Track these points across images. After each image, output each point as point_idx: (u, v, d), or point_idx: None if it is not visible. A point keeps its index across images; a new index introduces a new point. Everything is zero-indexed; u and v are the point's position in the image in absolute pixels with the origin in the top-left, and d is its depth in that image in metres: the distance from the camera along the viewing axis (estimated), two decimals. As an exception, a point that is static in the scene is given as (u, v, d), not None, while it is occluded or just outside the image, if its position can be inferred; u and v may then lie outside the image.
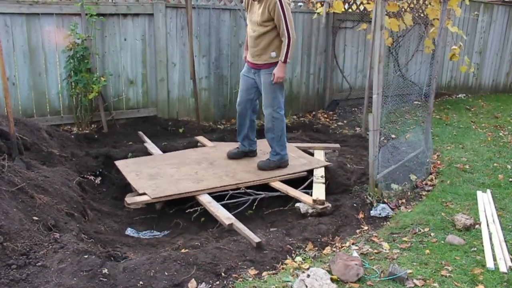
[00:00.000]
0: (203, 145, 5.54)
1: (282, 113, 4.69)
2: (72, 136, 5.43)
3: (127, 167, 4.62)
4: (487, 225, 3.70)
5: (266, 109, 4.62)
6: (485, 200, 4.20)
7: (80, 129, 5.78)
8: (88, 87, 5.58)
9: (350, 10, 7.81)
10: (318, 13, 6.96)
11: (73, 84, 5.59)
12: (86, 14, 5.52)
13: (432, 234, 3.56)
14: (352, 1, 7.65)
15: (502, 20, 9.96)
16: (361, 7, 7.92)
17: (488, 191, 4.41)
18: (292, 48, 4.37)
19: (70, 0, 5.65)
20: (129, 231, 3.83)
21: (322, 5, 6.97)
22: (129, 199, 3.96)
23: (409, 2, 7.26)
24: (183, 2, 6.17)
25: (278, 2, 4.25)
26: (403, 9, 7.02)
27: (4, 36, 5.25)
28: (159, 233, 3.88)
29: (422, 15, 7.66)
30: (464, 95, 9.82)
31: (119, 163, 4.71)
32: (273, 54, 4.47)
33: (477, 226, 3.69)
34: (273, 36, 4.43)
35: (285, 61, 4.41)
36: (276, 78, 4.44)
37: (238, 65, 6.71)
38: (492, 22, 9.83)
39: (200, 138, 5.73)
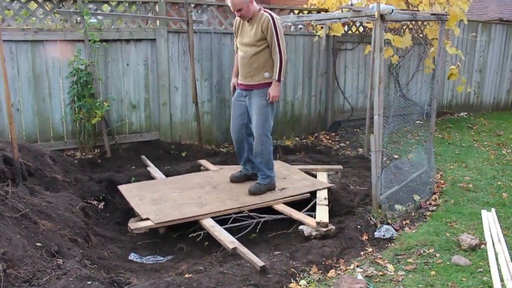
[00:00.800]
0: (206, 169, 5.55)
1: (270, 136, 4.71)
2: (76, 161, 5.45)
3: (130, 191, 4.62)
4: (493, 245, 3.66)
5: (257, 131, 4.61)
6: (490, 219, 4.17)
7: (84, 154, 5.81)
8: (91, 112, 5.63)
9: (349, 31, 7.90)
10: (319, 35, 7.04)
11: (76, 109, 5.65)
12: (90, 40, 5.61)
13: (437, 255, 3.53)
14: (351, 23, 7.74)
15: (500, 38, 10.07)
16: (361, 29, 8.02)
17: (493, 210, 4.39)
18: (284, 67, 4.45)
19: (74, 26, 5.74)
20: (133, 256, 3.81)
21: (322, 28, 7.06)
22: (133, 224, 3.95)
23: (408, 23, 7.35)
24: (184, 27, 6.26)
25: (271, 21, 4.35)
26: (402, 29, 7.11)
27: (9, 63, 5.33)
28: (162, 258, 3.85)
29: (421, 35, 7.75)
30: (466, 113, 9.85)
31: (122, 188, 4.72)
32: (266, 74, 4.52)
33: (482, 246, 3.66)
34: (266, 56, 4.49)
35: (279, 80, 4.47)
36: (272, 97, 4.49)
37: (240, 88, 6.77)
38: (490, 41, 9.93)
39: (203, 162, 5.74)
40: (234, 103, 4.85)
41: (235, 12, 4.43)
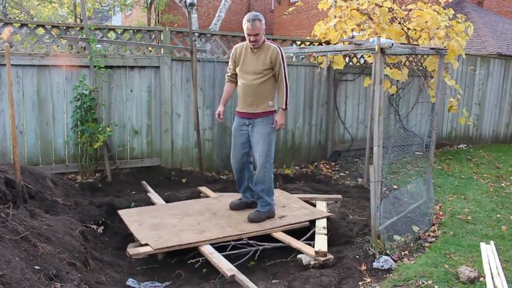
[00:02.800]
0: (206, 196, 5.57)
1: (272, 163, 4.79)
2: (76, 185, 5.48)
3: (130, 216, 4.63)
4: (492, 278, 3.65)
5: (260, 159, 4.66)
6: (489, 252, 4.16)
7: (84, 178, 5.83)
8: (93, 136, 5.69)
9: (350, 63, 8.04)
10: (321, 67, 7.15)
11: (79, 133, 5.70)
12: (95, 67, 5.71)
13: (436, 287, 3.52)
14: (352, 55, 7.88)
15: (498, 72, 10.23)
16: (362, 60, 8.16)
17: (492, 242, 4.39)
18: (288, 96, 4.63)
19: (80, 52, 5.85)
20: (130, 282, 3.80)
21: (324, 58, 7.18)
22: (132, 250, 3.95)
23: (407, 56, 7.48)
24: (188, 56, 6.38)
25: (279, 53, 4.53)
26: (401, 63, 7.23)
27: (15, 86, 5.42)
28: (160, 284, 3.84)
29: (421, 67, 7.88)
30: (465, 145, 9.91)
31: (122, 213, 4.73)
32: (270, 103, 4.66)
33: (481, 279, 3.65)
34: (271, 86, 4.64)
35: (285, 108, 4.64)
36: (280, 125, 4.64)
37: (241, 116, 6.84)
38: (489, 75, 10.08)
39: (203, 189, 5.76)
40: (235, 132, 4.89)
41: (250, 37, 4.50)
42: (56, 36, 5.74)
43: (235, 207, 4.99)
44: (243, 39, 6.94)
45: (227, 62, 6.73)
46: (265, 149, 4.64)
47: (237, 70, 4.78)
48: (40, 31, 5.71)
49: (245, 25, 4.49)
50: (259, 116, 4.66)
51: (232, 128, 4.98)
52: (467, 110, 9.84)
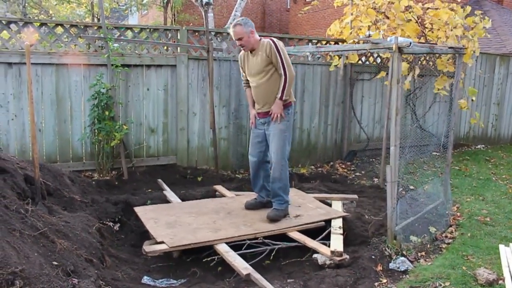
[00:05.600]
0: (222, 195, 5.58)
1: (287, 161, 4.79)
2: (93, 182, 5.54)
3: (146, 214, 4.67)
4: None
5: (276, 156, 4.66)
6: (508, 254, 4.09)
7: (101, 175, 5.89)
8: (110, 134, 5.74)
9: (367, 62, 7.98)
10: (336, 65, 7.12)
11: (96, 131, 5.76)
12: (112, 65, 5.76)
13: (453, 288, 3.48)
14: (369, 54, 7.83)
15: (519, 72, 10.04)
16: (378, 60, 8.10)
17: (511, 245, 4.32)
18: (289, 85, 4.58)
19: (97, 51, 5.91)
20: (146, 280, 3.82)
21: (340, 57, 7.15)
22: (148, 247, 3.98)
23: (425, 56, 7.40)
24: (204, 55, 6.40)
25: (272, 44, 4.50)
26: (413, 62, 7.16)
27: (34, 85, 5.50)
28: (175, 281, 3.86)
29: (433, 66, 7.78)
30: (483, 146, 9.76)
31: (138, 210, 4.77)
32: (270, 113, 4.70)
33: (500, 281, 3.60)
34: (278, 80, 4.61)
35: (281, 98, 4.57)
36: (274, 114, 4.62)
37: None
38: (509, 74, 9.92)
39: (219, 188, 5.77)
40: (253, 131, 4.96)
41: (236, 41, 4.63)
42: (74, 35, 5.81)
43: (250, 206, 4.99)
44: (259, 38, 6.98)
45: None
46: (280, 146, 4.64)
47: (246, 74, 4.89)
48: (59, 30, 5.79)
49: (230, 32, 4.67)
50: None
51: (252, 128, 5.02)
52: (485, 110, 9.72)
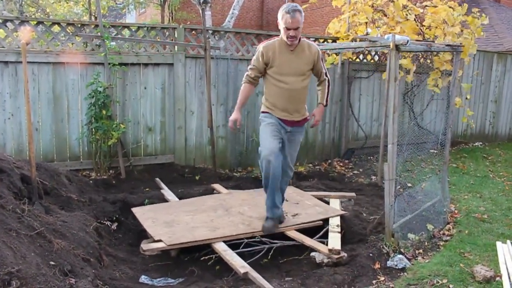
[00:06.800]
0: (219, 193, 5.57)
1: None
2: (91, 182, 5.53)
3: (144, 214, 4.66)
4: (509, 277, 3.60)
5: (292, 164, 4.50)
6: (505, 251, 4.10)
7: (99, 174, 5.88)
8: (107, 133, 5.73)
9: (365, 60, 7.98)
10: (332, 62, 7.10)
11: (93, 130, 5.75)
12: (109, 64, 5.75)
13: (450, 286, 3.48)
14: (366, 52, 7.82)
15: (516, 70, 10.05)
16: (376, 58, 8.09)
17: (509, 242, 4.32)
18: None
19: (94, 50, 5.90)
20: (143, 279, 3.81)
21: (337, 55, 7.14)
22: (145, 245, 3.97)
23: (422, 53, 7.39)
24: (202, 53, 6.38)
25: (319, 50, 4.21)
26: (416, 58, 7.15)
27: (30, 83, 5.48)
28: (173, 280, 3.85)
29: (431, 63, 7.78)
30: (481, 143, 9.77)
31: (136, 210, 4.76)
32: (305, 107, 4.38)
33: (498, 278, 3.60)
34: (308, 87, 4.31)
35: (326, 104, 4.41)
36: (317, 122, 4.42)
37: (255, 114, 6.83)
38: (506, 72, 9.93)
39: (216, 186, 5.76)
40: (274, 126, 4.15)
41: (289, 32, 3.88)
42: (71, 33, 5.79)
43: (272, 230, 4.29)
44: (257, 36, 6.97)
45: (241, 60, 6.76)
46: (295, 156, 4.50)
47: (270, 72, 4.12)
48: (56, 28, 5.78)
49: (283, 17, 3.87)
50: (299, 124, 4.32)
51: (265, 122, 4.22)
52: (483, 108, 9.73)
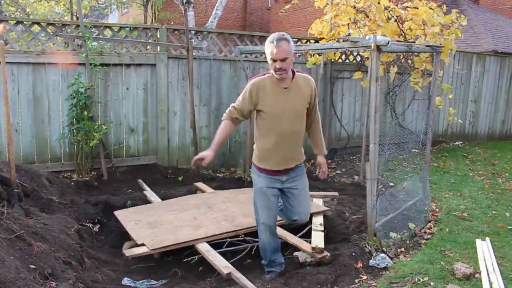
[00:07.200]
0: (203, 192, 5.56)
1: None
2: (72, 183, 5.47)
3: (126, 216, 4.62)
4: (488, 274, 3.66)
5: (306, 216, 3.78)
6: (484, 248, 4.17)
7: (80, 176, 5.82)
8: (89, 134, 5.68)
9: (347, 60, 8.03)
10: (314, 63, 7.12)
11: (74, 131, 5.68)
12: (90, 64, 5.69)
13: (431, 283, 3.53)
14: (349, 52, 7.88)
15: (494, 70, 10.24)
16: (358, 58, 8.16)
17: (487, 239, 4.40)
18: None
19: (75, 50, 5.83)
20: (126, 281, 3.79)
21: (320, 55, 7.18)
22: (127, 251, 3.94)
23: (403, 54, 7.47)
24: (184, 53, 6.36)
25: (313, 81, 3.63)
26: (394, 61, 7.23)
27: (10, 84, 5.39)
28: (156, 282, 3.83)
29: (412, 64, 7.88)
30: (461, 142, 9.93)
31: (118, 213, 4.71)
32: (301, 149, 3.68)
33: (477, 275, 3.66)
34: (303, 127, 3.66)
35: (324, 154, 3.88)
36: (324, 173, 3.89)
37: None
38: (485, 72, 10.10)
39: (200, 185, 5.76)
40: (268, 191, 3.60)
41: (275, 64, 3.29)
42: (52, 33, 5.72)
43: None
44: (240, 36, 6.97)
45: (224, 60, 6.75)
46: (308, 203, 3.78)
47: (260, 114, 3.50)
48: (36, 28, 5.70)
49: (268, 47, 3.30)
50: (298, 165, 3.69)
51: (255, 186, 3.68)
52: (463, 108, 9.88)
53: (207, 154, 3.48)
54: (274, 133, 3.45)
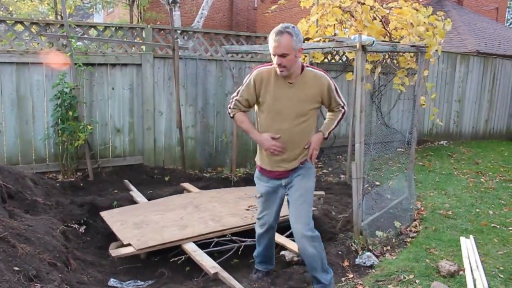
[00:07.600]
0: (189, 192, 5.55)
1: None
2: (57, 184, 5.41)
3: (112, 217, 4.59)
4: (471, 271, 3.71)
5: (304, 227, 3.25)
6: (468, 246, 4.23)
7: (66, 177, 5.76)
8: (74, 135, 5.62)
9: (333, 60, 8.07)
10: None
11: (59, 132, 5.63)
12: (75, 64, 5.64)
13: (417, 281, 3.57)
14: (334, 52, 7.92)
15: (478, 70, 10.39)
16: (343, 58, 8.20)
17: (471, 237, 4.46)
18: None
19: (60, 50, 5.77)
20: (112, 282, 3.76)
21: (306, 56, 7.19)
22: (114, 251, 3.92)
23: (388, 54, 7.53)
24: (170, 53, 6.34)
25: (330, 81, 3.25)
26: (379, 61, 7.28)
27: (-8, 85, 5.32)
28: (143, 283, 3.81)
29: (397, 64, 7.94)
30: (446, 141, 10.05)
31: (104, 214, 4.68)
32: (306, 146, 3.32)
33: (461, 272, 3.71)
34: (314, 124, 3.34)
35: (327, 137, 3.41)
36: (312, 150, 3.26)
37: (224, 114, 6.83)
38: (469, 72, 10.24)
39: (186, 185, 5.75)
40: (270, 196, 3.42)
41: (276, 57, 3.05)
42: (35, 33, 5.66)
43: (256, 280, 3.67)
44: (226, 36, 6.97)
45: (210, 60, 6.74)
46: (308, 209, 3.30)
47: (261, 109, 3.28)
48: (19, 27, 5.63)
49: (269, 40, 3.07)
50: (299, 166, 3.34)
51: (257, 190, 3.50)
52: (447, 108, 10.00)
53: (266, 137, 3.19)
54: (273, 131, 3.21)
